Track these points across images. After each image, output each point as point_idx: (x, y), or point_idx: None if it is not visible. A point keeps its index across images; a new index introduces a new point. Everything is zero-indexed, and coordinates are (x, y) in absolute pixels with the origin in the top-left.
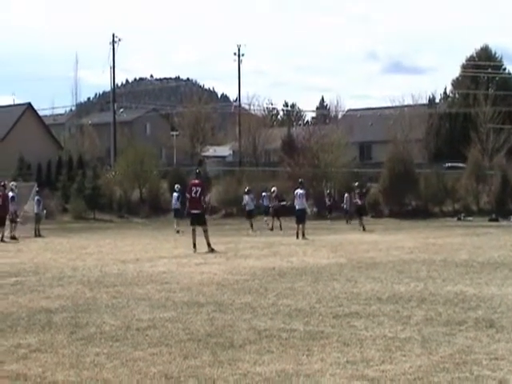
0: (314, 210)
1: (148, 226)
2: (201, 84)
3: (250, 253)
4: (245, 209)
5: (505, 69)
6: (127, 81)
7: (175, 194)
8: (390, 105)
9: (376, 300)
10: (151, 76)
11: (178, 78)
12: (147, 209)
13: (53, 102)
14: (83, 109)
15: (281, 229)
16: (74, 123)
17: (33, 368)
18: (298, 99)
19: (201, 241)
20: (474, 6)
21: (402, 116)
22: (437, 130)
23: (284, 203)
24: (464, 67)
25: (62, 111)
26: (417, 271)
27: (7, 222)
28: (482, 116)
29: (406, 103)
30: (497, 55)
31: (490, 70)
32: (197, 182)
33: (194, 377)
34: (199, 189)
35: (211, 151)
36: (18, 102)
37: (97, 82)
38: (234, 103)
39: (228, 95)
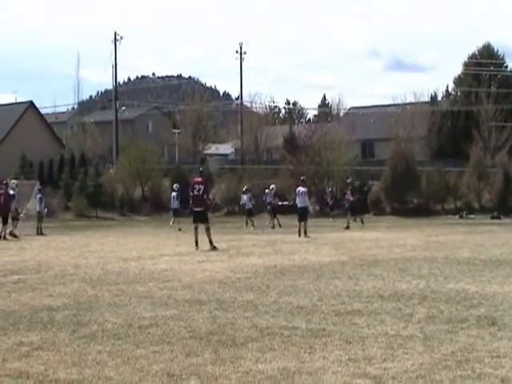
0: (316, 207)
1: (150, 223)
2: (203, 82)
3: (252, 251)
4: (243, 208)
5: (507, 66)
6: (129, 79)
7: (174, 194)
8: (392, 102)
9: (378, 298)
10: (153, 74)
11: (179, 76)
12: (149, 207)
13: (55, 100)
14: (85, 107)
15: (280, 226)
16: (75, 121)
17: (35, 366)
18: (299, 97)
19: (203, 238)
20: (476, 3)
21: (404, 114)
22: (439, 127)
23: (286, 203)
24: (466, 65)
25: (63, 109)
26: (419, 269)
27: (9, 221)
28: (484, 114)
29: (408, 101)
30: (499, 53)
31: (492, 68)
32: (200, 179)
33: (195, 375)
34: (202, 186)
35: (213, 149)
36: (19, 100)
37: (99, 80)
38: (236, 101)
39: (230, 93)
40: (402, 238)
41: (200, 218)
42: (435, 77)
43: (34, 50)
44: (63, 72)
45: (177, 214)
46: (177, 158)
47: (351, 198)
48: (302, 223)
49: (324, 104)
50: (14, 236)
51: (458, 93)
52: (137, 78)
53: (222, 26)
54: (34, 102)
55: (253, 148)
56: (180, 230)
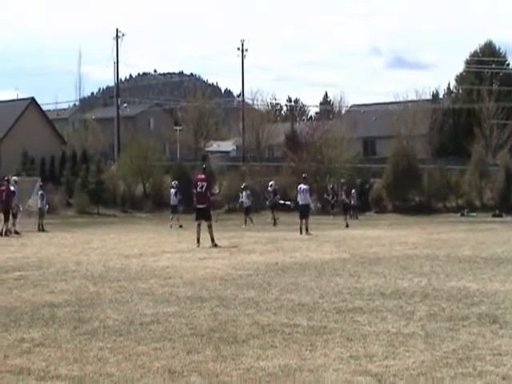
0: (318, 205)
1: (151, 220)
2: (204, 79)
3: (254, 248)
4: (242, 205)
5: (508, 64)
6: (131, 76)
7: (172, 190)
8: (393, 100)
9: (379, 295)
10: (155, 71)
11: (181, 73)
12: (151, 203)
13: (56, 96)
14: (87, 104)
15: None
16: (77, 118)
17: (36, 362)
18: (301, 94)
19: (204, 235)
20: (478, 1)
21: (406, 111)
22: (440, 125)
23: (289, 203)
24: (468, 63)
25: (65, 106)
26: (420, 266)
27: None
28: (486, 112)
29: (409, 99)
30: (501, 51)
31: (493, 66)
32: (203, 176)
33: (197, 371)
34: (205, 183)
35: (215, 146)
36: (21, 96)
37: (100, 77)
38: (238, 98)
39: (231, 90)
40: (404, 235)
41: (203, 215)
42: (437, 74)
43: (35, 46)
44: (65, 69)
45: (175, 210)
46: (178, 155)
47: (346, 200)
48: (304, 220)
49: (326, 101)
50: (16, 232)
51: (460, 91)
52: (138, 74)
53: (223, 24)
54: (36, 98)
55: (254, 145)
56: (181, 226)
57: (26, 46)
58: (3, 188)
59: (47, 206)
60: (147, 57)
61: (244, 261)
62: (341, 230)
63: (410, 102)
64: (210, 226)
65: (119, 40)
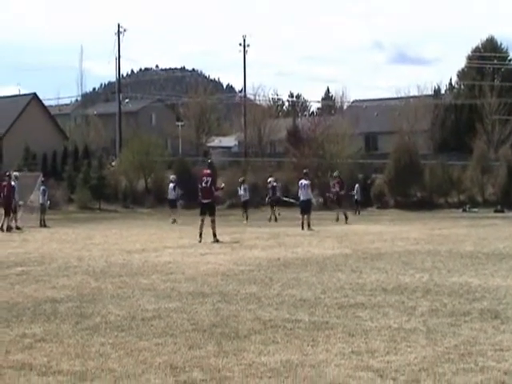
0: (320, 200)
1: (153, 216)
2: (206, 74)
3: (255, 243)
4: (240, 200)
5: (510, 60)
6: (132, 71)
7: (171, 185)
8: (395, 95)
9: (381, 291)
10: (156, 66)
11: (183, 69)
12: (152, 199)
13: (58, 92)
14: (89, 99)
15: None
16: (79, 113)
17: (38, 358)
18: (303, 90)
19: (206, 231)
20: None
21: (408, 107)
22: (442, 121)
23: (293, 201)
24: (469, 58)
25: (67, 101)
26: (422, 262)
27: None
28: (488, 107)
29: (411, 94)
30: (502, 46)
31: (495, 61)
32: (208, 171)
33: (198, 367)
34: (210, 179)
35: (216, 142)
36: (23, 92)
37: (102, 73)
38: (240, 94)
39: (233, 86)
40: (406, 231)
41: (207, 210)
42: (439, 70)
43: (37, 42)
44: (67, 64)
45: (173, 205)
46: (180, 151)
47: (338, 190)
48: (305, 216)
49: (327, 97)
50: (18, 228)
51: (462, 86)
52: (140, 70)
53: (225, 19)
54: (38, 94)
55: (256, 141)
56: (175, 221)
57: (27, 41)
58: (5, 183)
59: (49, 202)
60: (149, 52)
61: (246, 256)
62: (342, 225)
63: (411, 97)
64: (213, 221)
65: (121, 35)
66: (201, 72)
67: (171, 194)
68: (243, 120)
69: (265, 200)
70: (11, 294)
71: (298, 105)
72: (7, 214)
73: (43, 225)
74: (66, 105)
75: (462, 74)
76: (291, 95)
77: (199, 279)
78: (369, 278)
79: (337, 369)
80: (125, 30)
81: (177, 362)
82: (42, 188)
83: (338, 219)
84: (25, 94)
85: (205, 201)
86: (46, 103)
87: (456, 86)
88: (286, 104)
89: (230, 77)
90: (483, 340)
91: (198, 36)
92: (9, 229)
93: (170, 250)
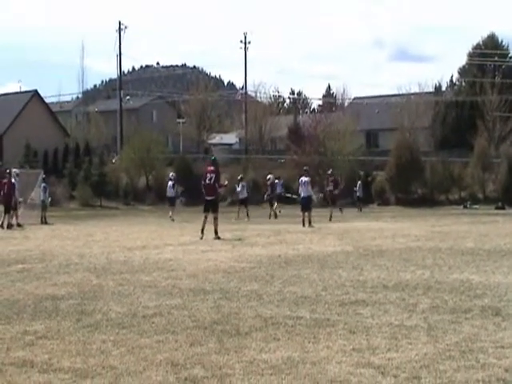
0: (320, 195)
1: (154, 213)
2: (207, 71)
3: (257, 240)
4: (238, 197)
5: (511, 57)
6: (133, 68)
7: (170, 183)
8: (396, 92)
9: (382, 288)
10: (157, 63)
11: (184, 66)
12: (153, 196)
13: (59, 89)
14: (90, 96)
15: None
16: (80, 110)
17: (39, 355)
18: (304, 87)
19: (208, 228)
20: None
21: (409, 104)
22: (443, 118)
23: (295, 197)
24: (470, 55)
25: (68, 98)
26: (423, 259)
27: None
28: (489, 104)
29: (412, 91)
30: (503, 43)
31: (496, 58)
32: (212, 168)
33: (200, 364)
34: (214, 175)
35: (217, 139)
36: (24, 89)
37: (103, 70)
38: (241, 91)
39: (234, 83)
40: (407, 228)
41: (210, 207)
42: (440, 67)
43: (38, 39)
44: (68, 61)
45: (172, 202)
46: (181, 148)
47: (332, 189)
48: (306, 213)
49: (328, 94)
50: (18, 225)
51: (463, 83)
52: (141, 67)
53: (226, 16)
54: (39, 90)
55: (257, 138)
56: (172, 219)
57: (28, 38)
58: (5, 181)
59: (50, 199)
60: (150, 49)
61: (247, 253)
62: (343, 222)
63: (412, 94)
64: (215, 219)
65: (122, 32)
66: (202, 69)
67: (170, 192)
68: (244, 117)
69: (264, 197)
70: (12, 291)
71: (298, 102)
72: (7, 211)
73: (44, 222)
74: (67, 102)
75: (462, 71)
76: (292, 92)
77: (200, 276)
78: (370, 275)
79: (338, 366)
80: (126, 27)
81: (178, 359)
82: (42, 185)
83: (331, 218)
84: (26, 91)
85: (208, 198)
86: (47, 100)
87: (457, 82)
88: (287, 101)
89: (231, 74)
90: (484, 337)
91: (199, 33)
92: (9, 226)
93: (171, 247)
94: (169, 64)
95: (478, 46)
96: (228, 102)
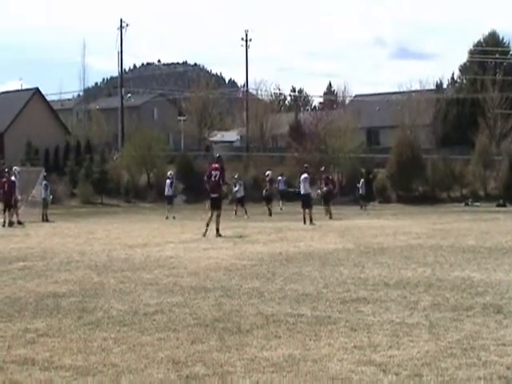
0: (319, 191)
1: (155, 210)
2: (208, 69)
3: (258, 238)
4: (235, 196)
5: None
6: (135, 66)
7: (168, 181)
8: (397, 90)
9: (383, 285)
10: (159, 61)
11: (185, 63)
12: (154, 194)
13: (60, 87)
14: (91, 94)
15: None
16: (81, 108)
17: (40, 352)
18: (305, 84)
19: (211, 225)
20: None
21: (410, 101)
22: (444, 115)
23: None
24: (471, 52)
25: (69, 96)
26: (424, 256)
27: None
28: (490, 101)
29: (413, 88)
30: (504, 40)
31: (497, 56)
32: (216, 165)
33: (201, 362)
34: (218, 173)
35: (219, 136)
36: (25, 86)
37: (104, 67)
38: (242, 88)
39: (235, 80)
40: (408, 225)
41: (214, 204)
42: (441, 64)
43: (39, 36)
44: (69, 59)
45: (170, 201)
46: (182, 145)
47: (325, 188)
48: (307, 210)
49: (329, 91)
50: (19, 223)
51: (464, 80)
52: (142, 64)
53: (227, 14)
54: (40, 88)
55: (258, 135)
56: (170, 217)
57: (30, 36)
58: (5, 179)
59: (51, 197)
60: (151, 47)
61: (248, 251)
62: (345, 219)
63: (413, 91)
64: (218, 216)
65: (123, 30)
66: (203, 67)
67: (168, 191)
68: (245, 115)
69: (263, 194)
70: (13, 288)
71: (300, 99)
72: (8, 209)
73: (45, 219)
74: (69, 99)
75: (463, 69)
76: (293, 90)
77: (201, 274)
78: (371, 272)
79: (339, 363)
80: (127, 25)
81: (179, 356)
82: (44, 183)
83: (330, 216)
84: (27, 89)
85: (213, 195)
86: (49, 98)
87: (458, 80)
88: (288, 99)
89: (232, 71)
90: (486, 335)
91: (200, 31)
92: (10, 224)
93: (172, 245)
94: (170, 62)
95: (478, 44)
96: (229, 100)
